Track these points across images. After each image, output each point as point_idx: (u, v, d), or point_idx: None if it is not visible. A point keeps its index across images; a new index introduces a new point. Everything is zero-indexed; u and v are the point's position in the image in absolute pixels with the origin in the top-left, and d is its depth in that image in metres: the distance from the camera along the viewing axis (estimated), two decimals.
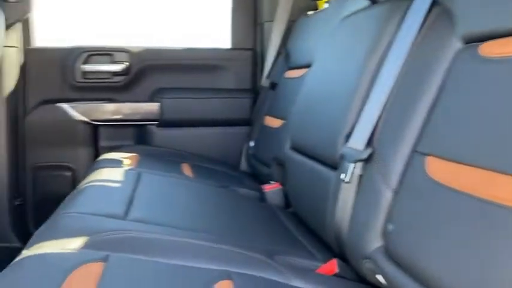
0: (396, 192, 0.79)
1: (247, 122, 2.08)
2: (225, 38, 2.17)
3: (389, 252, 0.77)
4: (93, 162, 1.75)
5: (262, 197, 1.48)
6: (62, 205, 1.02)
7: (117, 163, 1.56)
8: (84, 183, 1.21)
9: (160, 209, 1.08)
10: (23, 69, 1.95)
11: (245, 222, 1.16)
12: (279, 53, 2.00)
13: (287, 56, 1.85)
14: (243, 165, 2.04)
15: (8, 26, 1.81)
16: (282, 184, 1.44)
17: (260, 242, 1.00)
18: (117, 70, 2.02)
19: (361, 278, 0.90)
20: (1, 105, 1.84)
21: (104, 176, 1.27)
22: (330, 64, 1.33)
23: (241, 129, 2.10)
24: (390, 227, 0.77)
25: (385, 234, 0.79)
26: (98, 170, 1.37)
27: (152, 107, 2.05)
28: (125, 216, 0.96)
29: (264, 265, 0.84)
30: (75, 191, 1.15)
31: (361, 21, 1.26)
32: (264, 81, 2.03)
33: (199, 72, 2.13)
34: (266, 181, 1.56)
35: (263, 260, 0.85)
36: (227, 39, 2.17)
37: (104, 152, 1.85)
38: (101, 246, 0.77)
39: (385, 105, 0.92)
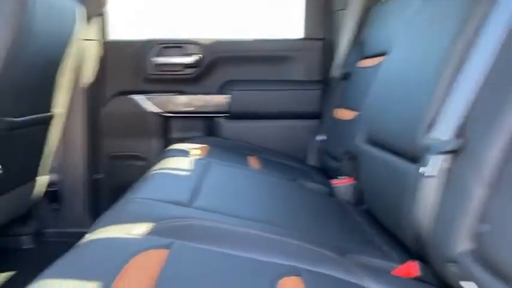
0: (492, 188, 0.69)
1: (315, 115, 2.02)
2: (296, 28, 2.11)
3: (481, 255, 0.68)
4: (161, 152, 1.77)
5: (331, 192, 1.41)
6: (129, 191, 1.03)
7: (185, 153, 1.56)
8: (151, 171, 1.22)
9: (226, 199, 1.05)
10: (101, 62, 2.03)
11: (314, 217, 1.09)
12: (352, 42, 1.91)
13: (361, 45, 1.75)
14: (311, 159, 1.97)
15: (88, 20, 1.88)
16: (354, 179, 1.36)
17: (330, 239, 0.94)
18: (189, 62, 2.03)
19: (442, 283, 0.81)
20: (80, 97, 1.93)
21: (172, 165, 1.27)
22: (410, 50, 1.23)
23: (310, 123, 2.03)
24: (484, 227, 0.68)
25: (477, 235, 0.69)
26: (165, 159, 1.38)
27: (222, 99, 2.04)
28: (190, 203, 0.93)
29: (335, 263, 0.77)
30: (142, 178, 1.15)
31: (445, 2, 1.14)
32: (336, 72, 1.94)
33: (269, 64, 2.09)
34: (335, 176, 1.49)
35: (334, 258, 0.79)
36: (299, 29, 2.11)
37: (175, 143, 1.87)
38: (165, 232, 0.75)
39: (477, 91, 0.81)
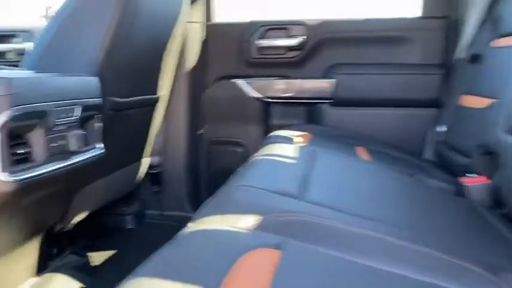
0: None
1: (434, 103, 1.78)
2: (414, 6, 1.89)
3: None
4: (264, 138, 1.68)
5: (457, 191, 1.20)
6: (232, 177, 0.94)
7: (288, 140, 1.46)
8: (255, 157, 1.12)
9: (340, 193, 0.91)
10: (205, 45, 1.99)
11: (445, 221, 0.91)
12: (482, 19, 1.64)
13: (495, 21, 1.49)
14: (427, 152, 1.75)
15: (192, 1, 1.85)
16: (488, 177, 1.14)
17: (473, 250, 0.76)
18: (293, 45, 1.92)
19: None
20: (184, 80, 1.91)
21: (276, 151, 1.16)
22: None
23: (427, 111, 1.81)
24: None
25: None
26: (269, 145, 1.28)
27: (326, 84, 1.90)
28: (300, 196, 0.82)
29: (488, 283, 0.60)
30: (246, 164, 1.06)
31: None
32: (462, 54, 1.69)
33: (380, 46, 1.89)
34: (460, 172, 1.27)
35: (484, 276, 0.62)
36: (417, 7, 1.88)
37: (274, 130, 1.78)
38: (275, 228, 0.64)
39: None
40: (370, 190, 1.01)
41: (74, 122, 1.08)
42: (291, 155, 1.13)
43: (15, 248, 1.18)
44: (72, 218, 1.37)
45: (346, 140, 1.67)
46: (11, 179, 0.88)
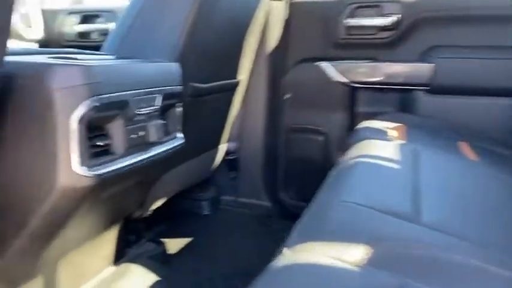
0: None
1: None
2: None
3: None
4: (352, 130, 1.53)
5: None
6: (328, 185, 0.81)
7: (382, 134, 1.30)
8: (351, 158, 0.98)
9: (459, 212, 0.75)
10: (287, 25, 1.86)
11: None
12: None
13: None
14: None
15: None
16: None
17: None
18: (385, 24, 1.72)
19: None
20: (263, 63, 1.80)
21: (373, 151, 1.01)
22: None
23: None
24: None
25: None
26: (363, 142, 1.13)
27: (423, 68, 1.69)
28: (414, 216, 0.68)
29: None
30: (341, 168, 0.93)
31: None
32: None
33: (489, 26, 1.64)
34: None
35: None
36: None
37: (359, 119, 1.62)
38: (391, 265, 0.51)
39: None
40: (496, 207, 0.84)
41: (154, 112, 1.02)
42: (391, 156, 0.98)
43: (95, 237, 1.16)
44: (150, 206, 1.34)
45: (446, 133, 1.48)
46: (90, 173, 0.83)
